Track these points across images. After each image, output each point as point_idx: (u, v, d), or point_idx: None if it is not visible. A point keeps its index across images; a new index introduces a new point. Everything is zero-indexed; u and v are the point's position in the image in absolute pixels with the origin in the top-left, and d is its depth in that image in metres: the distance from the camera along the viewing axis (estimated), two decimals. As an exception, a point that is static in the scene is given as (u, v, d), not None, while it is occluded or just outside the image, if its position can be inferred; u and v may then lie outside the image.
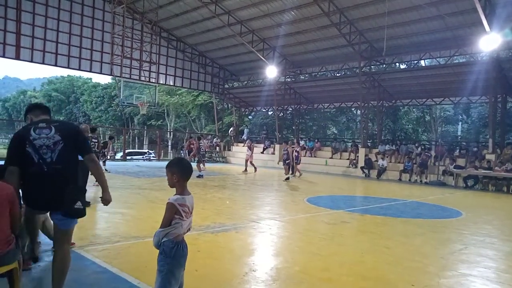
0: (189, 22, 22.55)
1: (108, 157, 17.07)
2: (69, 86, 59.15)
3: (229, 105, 30.99)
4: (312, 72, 25.64)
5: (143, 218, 6.75)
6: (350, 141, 26.19)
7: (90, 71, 22.27)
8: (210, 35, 23.35)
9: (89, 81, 58.44)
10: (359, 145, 21.14)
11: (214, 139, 28.20)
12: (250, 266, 4.28)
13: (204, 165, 15.64)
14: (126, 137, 36.22)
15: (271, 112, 32.62)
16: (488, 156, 16.07)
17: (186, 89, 33.12)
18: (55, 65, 20.80)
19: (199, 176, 13.83)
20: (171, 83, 26.46)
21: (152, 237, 2.63)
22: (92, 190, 7.62)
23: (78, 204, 2.97)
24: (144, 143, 48.63)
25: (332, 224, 6.91)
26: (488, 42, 14.52)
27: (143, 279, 3.63)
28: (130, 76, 22.76)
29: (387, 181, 17.33)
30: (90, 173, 3.36)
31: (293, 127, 30.37)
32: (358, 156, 20.11)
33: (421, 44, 18.31)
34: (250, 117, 38.94)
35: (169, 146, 44.08)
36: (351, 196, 12.07)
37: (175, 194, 2.60)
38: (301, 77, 26.11)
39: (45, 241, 4.44)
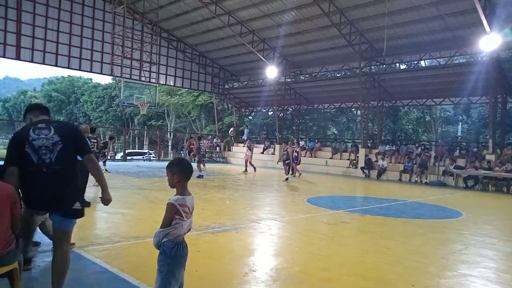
0: (189, 22, 22.56)
1: (108, 158, 17.07)
2: (69, 86, 59.18)
3: (229, 106, 31.00)
4: (312, 73, 25.65)
5: (143, 218, 6.75)
6: (350, 141, 26.19)
7: (91, 71, 22.29)
8: (210, 36, 23.36)
9: (90, 81, 58.46)
10: (359, 146, 21.14)
11: (214, 139, 28.20)
12: (250, 267, 4.28)
13: (204, 165, 15.65)
14: (126, 137, 36.23)
15: (271, 112, 32.64)
16: (488, 157, 16.07)
17: (186, 89, 33.16)
18: (56, 65, 20.81)
19: (199, 177, 13.83)
20: (172, 84, 26.47)
21: (152, 237, 2.63)
22: (92, 190, 7.63)
23: (77, 205, 2.97)
24: (144, 143, 48.66)
25: (332, 225, 6.91)
26: (488, 42, 14.52)
27: (143, 279, 3.63)
28: (131, 76, 22.77)
29: (387, 182, 17.33)
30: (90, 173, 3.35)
31: (293, 128, 30.38)
32: (358, 157, 20.12)
33: (421, 44, 18.32)
34: (250, 117, 38.95)
35: (169, 147, 44.10)
36: (351, 196, 12.07)
37: (176, 195, 2.60)
38: (301, 77, 26.12)
39: (45, 241, 4.44)
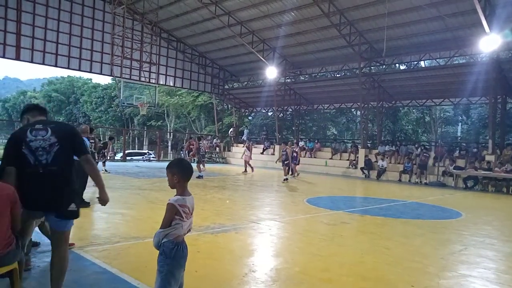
0: (189, 23, 22.57)
1: (108, 158, 17.07)
2: (69, 86, 59.14)
3: (229, 106, 31.01)
4: (312, 73, 25.66)
5: (143, 219, 6.74)
6: (350, 142, 26.19)
7: (90, 71, 22.29)
8: (210, 36, 23.37)
9: (89, 81, 58.42)
10: (359, 146, 21.14)
11: (214, 139, 28.21)
12: (250, 267, 4.28)
13: (204, 165, 15.65)
14: (126, 137, 36.23)
15: (271, 112, 32.65)
16: (488, 157, 16.07)
17: (186, 89, 33.15)
18: (55, 65, 20.82)
19: (199, 177, 13.83)
20: (171, 84, 26.47)
21: (152, 237, 2.63)
22: (91, 191, 7.61)
23: (72, 206, 2.97)
24: (144, 143, 48.62)
25: (332, 225, 6.91)
26: (488, 43, 14.52)
27: (143, 280, 3.63)
28: (130, 76, 22.77)
29: (387, 182, 17.33)
30: None
31: (293, 128, 30.38)
32: (358, 157, 20.12)
33: (421, 45, 18.33)
34: (250, 117, 38.95)
35: (169, 147, 44.06)
36: (351, 197, 12.07)
37: (176, 195, 2.60)
38: (301, 78, 26.12)
39: (44, 241, 4.44)
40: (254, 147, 24.42)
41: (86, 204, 7.11)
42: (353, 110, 33.20)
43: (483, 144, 19.50)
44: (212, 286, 3.69)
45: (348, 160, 20.85)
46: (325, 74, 25.44)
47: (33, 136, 2.90)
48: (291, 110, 28.87)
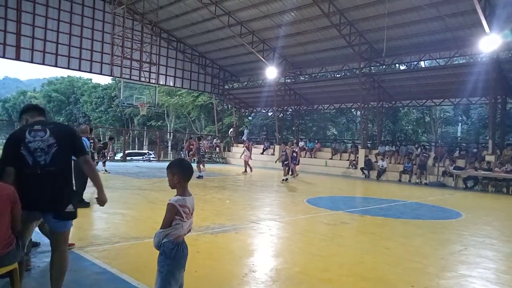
0: (189, 23, 22.57)
1: (108, 158, 17.07)
2: (69, 86, 59.14)
3: (229, 106, 31.01)
4: (312, 73, 25.66)
5: (143, 219, 6.74)
6: (350, 142, 26.21)
7: (90, 71, 22.29)
8: (210, 36, 23.37)
9: (89, 81, 58.43)
10: (359, 146, 21.14)
11: (214, 140, 28.21)
12: (250, 267, 4.28)
13: (204, 166, 15.64)
14: (126, 137, 36.23)
15: (271, 113, 32.64)
16: (488, 157, 16.07)
17: (186, 90, 33.15)
18: (55, 65, 20.82)
19: (199, 177, 13.83)
20: (171, 84, 26.47)
21: (152, 238, 2.63)
22: (91, 191, 7.61)
23: (70, 207, 2.97)
24: (144, 144, 48.62)
25: (332, 225, 6.91)
26: (488, 43, 14.52)
27: (143, 280, 3.64)
28: (130, 77, 22.76)
29: (387, 182, 17.33)
30: None
31: (293, 128, 30.39)
32: (358, 157, 20.12)
33: (421, 45, 18.33)
34: (250, 118, 38.95)
35: (169, 147, 44.07)
36: (351, 197, 12.07)
37: (176, 195, 2.60)
38: (301, 78, 26.12)
39: (44, 241, 4.44)
40: (254, 147, 24.41)
41: (86, 204, 7.11)
42: (353, 110, 33.21)
43: (483, 144, 19.50)
44: (212, 286, 3.69)
45: (348, 160, 20.85)
46: (325, 74, 25.44)
47: (32, 137, 2.90)
48: (291, 110, 28.87)
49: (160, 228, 2.56)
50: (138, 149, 43.24)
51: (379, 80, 21.14)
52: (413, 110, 32.39)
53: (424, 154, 17.74)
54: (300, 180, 15.92)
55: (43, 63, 20.35)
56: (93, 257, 4.31)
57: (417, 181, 17.20)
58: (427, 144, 25.19)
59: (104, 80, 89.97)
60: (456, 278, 4.27)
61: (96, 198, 3.22)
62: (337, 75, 24.39)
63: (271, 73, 22.23)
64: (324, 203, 9.78)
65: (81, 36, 21.39)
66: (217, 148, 27.69)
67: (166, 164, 2.73)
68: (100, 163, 15.11)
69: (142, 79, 23.34)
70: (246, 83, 28.03)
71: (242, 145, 26.22)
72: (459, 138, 33.02)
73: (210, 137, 29.55)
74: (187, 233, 2.65)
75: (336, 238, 5.96)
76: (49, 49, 20.28)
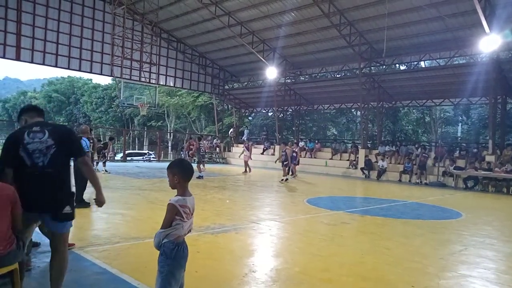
0: (189, 23, 22.58)
1: (108, 158, 17.07)
2: (69, 87, 59.15)
3: (229, 106, 31.01)
4: (312, 73, 25.66)
5: (143, 219, 6.75)
6: (350, 142, 26.20)
7: (91, 72, 22.31)
8: (210, 36, 23.38)
9: (90, 82, 58.43)
10: (359, 146, 21.14)
11: (214, 140, 28.21)
12: (250, 267, 4.28)
13: (204, 166, 15.65)
14: (126, 138, 36.22)
15: (271, 113, 32.65)
16: (488, 157, 16.07)
17: (186, 90, 33.15)
18: (56, 66, 20.84)
19: (199, 177, 13.83)
20: (171, 84, 26.48)
21: (152, 238, 2.64)
22: (91, 191, 7.59)
23: (67, 209, 2.98)
24: (144, 144, 48.62)
25: (332, 225, 6.92)
26: (488, 43, 14.52)
27: (143, 280, 3.64)
28: (130, 77, 22.76)
29: (387, 182, 17.33)
30: None
31: (293, 128, 30.40)
32: (358, 157, 20.12)
33: (421, 45, 18.33)
34: (250, 118, 38.95)
35: (169, 147, 44.08)
36: (351, 197, 12.07)
37: (176, 195, 2.60)
38: (301, 78, 26.12)
39: (44, 241, 4.44)
40: (254, 148, 24.41)
41: (86, 205, 7.12)
42: (353, 110, 33.21)
43: (483, 145, 19.49)
44: (212, 287, 3.69)
45: (348, 160, 20.85)
46: (325, 75, 25.44)
47: (31, 139, 2.91)
48: (291, 110, 28.88)
49: (161, 228, 2.57)
50: (138, 149, 43.26)
51: (379, 80, 21.14)
52: (413, 110, 32.38)
53: (423, 154, 17.75)
54: (300, 180, 15.92)
55: (43, 64, 20.36)
56: (93, 257, 4.31)
57: (417, 181, 17.20)
58: (427, 144, 25.18)
59: (104, 80, 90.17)
60: (456, 278, 4.27)
61: (94, 199, 3.23)
62: (337, 75, 24.39)
63: (271, 73, 22.24)
64: (324, 203, 9.78)
65: (81, 37, 21.40)
66: (217, 148, 27.70)
67: (166, 164, 2.73)
68: (101, 163, 15.13)
69: (142, 79, 23.35)
70: (246, 83, 28.03)
71: (242, 145, 26.28)
72: (459, 138, 33.01)
73: (210, 137, 29.54)
74: (188, 233, 2.65)
75: (336, 238, 5.96)
76: (49, 49, 20.29)
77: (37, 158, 2.88)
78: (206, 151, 22.96)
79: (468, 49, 17.32)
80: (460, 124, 34.54)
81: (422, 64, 21.85)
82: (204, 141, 21.65)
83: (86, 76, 60.63)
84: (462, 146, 20.44)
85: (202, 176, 14.12)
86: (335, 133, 39.73)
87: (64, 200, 2.98)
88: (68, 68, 21.83)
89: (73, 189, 3.19)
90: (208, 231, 5.83)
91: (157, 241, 2.57)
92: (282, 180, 14.45)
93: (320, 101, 27.32)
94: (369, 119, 22.94)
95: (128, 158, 25.86)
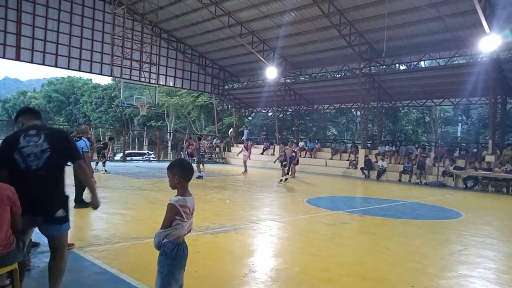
0: (189, 23, 22.58)
1: (108, 158, 17.06)
2: (69, 87, 59.18)
3: (229, 106, 31.02)
4: (312, 73, 25.67)
5: (143, 219, 6.74)
6: (350, 142, 26.20)
7: (90, 72, 22.31)
8: (210, 36, 23.38)
9: (89, 82, 58.47)
10: (359, 146, 21.14)
11: (214, 140, 28.21)
12: (250, 267, 4.28)
13: (203, 166, 15.64)
14: (126, 138, 36.22)
15: (271, 113, 32.65)
16: (487, 157, 16.08)
17: (186, 90, 33.15)
18: (55, 66, 20.84)
19: (199, 177, 13.83)
20: (171, 84, 26.48)
21: (152, 238, 2.63)
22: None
23: (60, 213, 2.97)
24: (144, 144, 48.62)
25: (332, 225, 6.91)
26: (488, 43, 14.53)
27: (143, 280, 3.64)
28: (130, 77, 22.76)
29: (387, 182, 17.33)
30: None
31: (293, 128, 30.40)
32: (358, 157, 20.12)
33: (421, 45, 18.33)
34: (250, 118, 38.96)
35: (169, 147, 44.10)
36: (351, 197, 12.07)
37: (176, 195, 2.60)
38: (301, 78, 26.13)
39: (44, 241, 4.42)
40: (254, 148, 24.41)
41: (86, 205, 7.10)
42: (353, 110, 33.23)
43: (483, 144, 19.49)
44: (212, 286, 3.69)
45: (348, 160, 20.85)
46: (325, 75, 25.44)
47: (26, 142, 2.91)
48: (291, 110, 28.88)
49: (160, 228, 2.56)
50: (138, 149, 43.24)
51: (379, 80, 21.14)
52: (413, 110, 32.40)
53: (422, 155, 17.75)
54: (300, 180, 15.93)
55: (43, 64, 20.36)
56: (93, 257, 4.31)
57: (417, 181, 17.20)
58: (427, 144, 25.19)
59: (104, 80, 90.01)
60: (456, 278, 4.27)
61: (89, 202, 3.24)
62: (337, 75, 24.39)
63: (271, 73, 22.24)
64: (324, 203, 9.78)
65: (81, 37, 21.40)
66: (217, 148, 27.69)
67: (166, 164, 2.73)
68: (100, 163, 15.13)
69: (142, 79, 23.35)
70: (246, 83, 28.03)
71: (242, 145, 26.29)
72: (459, 138, 33.03)
73: (210, 137, 29.54)
74: (187, 233, 2.65)
75: (336, 238, 5.96)
76: (49, 49, 20.29)
77: (31, 161, 2.88)
78: (206, 151, 22.96)
79: (468, 49, 17.32)
80: (460, 124, 34.56)
81: (422, 64, 21.86)
82: (204, 141, 21.63)
83: (86, 76, 60.71)
84: (462, 146, 20.45)
85: (202, 176, 14.12)
86: (335, 133, 39.75)
87: (57, 204, 2.97)
88: (68, 68, 21.83)
89: (68, 192, 3.18)
90: (208, 231, 5.82)
91: (157, 241, 2.56)
92: (281, 180, 14.43)
93: (320, 101, 27.32)
94: (369, 119, 22.94)
95: (128, 158, 25.86)
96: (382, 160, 18.74)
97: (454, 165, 16.70)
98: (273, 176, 17.22)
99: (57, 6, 20.30)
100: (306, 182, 15.39)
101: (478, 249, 5.66)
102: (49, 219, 2.94)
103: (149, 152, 35.05)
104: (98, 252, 4.55)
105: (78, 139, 7.29)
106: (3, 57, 18.95)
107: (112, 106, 48.26)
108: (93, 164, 12.15)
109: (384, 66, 21.41)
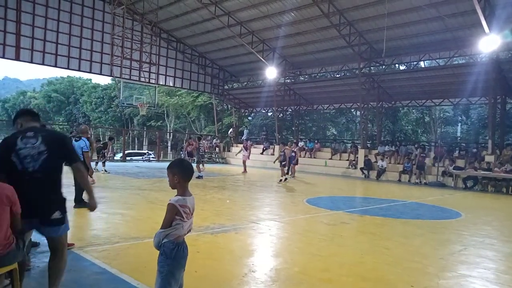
0: (189, 23, 22.57)
1: (108, 158, 17.06)
2: (69, 87, 59.15)
3: (229, 106, 31.02)
4: (312, 73, 25.67)
5: (143, 219, 6.74)
6: (350, 142, 26.20)
7: (90, 72, 22.30)
8: (210, 36, 23.38)
9: (89, 82, 58.45)
10: (358, 146, 21.15)
11: (214, 140, 28.21)
12: (250, 267, 4.28)
13: (203, 166, 15.64)
14: (126, 138, 36.22)
15: (271, 113, 32.65)
16: (487, 157, 16.08)
17: (185, 90, 33.14)
18: (55, 66, 20.83)
19: (199, 177, 13.82)
20: (171, 84, 26.48)
21: (151, 238, 2.63)
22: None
23: (56, 215, 2.96)
24: (144, 144, 48.59)
25: (331, 225, 6.92)
26: (488, 43, 14.54)
27: (143, 280, 3.64)
28: (130, 77, 22.77)
29: (387, 182, 17.33)
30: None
31: (293, 128, 30.40)
32: (357, 157, 20.12)
33: (420, 45, 18.34)
34: (249, 118, 38.97)
35: (169, 147, 44.08)
36: (350, 197, 12.07)
37: (176, 195, 2.60)
38: (301, 78, 26.13)
39: (44, 241, 4.42)
40: (254, 148, 24.41)
41: (86, 205, 7.09)
42: (352, 110, 33.24)
43: (483, 144, 19.50)
44: (211, 286, 3.69)
45: (347, 160, 20.86)
46: (324, 75, 25.44)
47: (23, 144, 2.91)
48: (290, 110, 28.87)
49: (160, 228, 2.56)
50: (137, 149, 43.20)
51: (379, 80, 21.14)
52: (413, 110, 32.41)
53: (421, 155, 17.76)
54: (300, 180, 15.93)
55: (42, 63, 20.35)
56: (92, 257, 4.31)
57: (417, 181, 17.21)
58: (427, 144, 25.20)
59: (103, 80, 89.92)
60: (456, 278, 4.27)
61: (87, 203, 3.25)
62: (337, 75, 24.39)
63: (271, 73, 22.24)
64: (324, 203, 9.78)
65: (80, 36, 21.39)
66: (217, 148, 27.69)
67: (166, 164, 2.73)
68: (100, 163, 15.12)
69: (142, 79, 23.35)
70: (246, 83, 28.03)
71: (242, 145, 26.28)
72: (459, 138, 33.04)
73: (209, 137, 29.54)
74: (187, 233, 2.65)
75: (336, 238, 5.96)
76: (48, 49, 20.28)
77: (28, 163, 2.88)
78: (206, 151, 22.95)
79: (467, 49, 17.32)
80: (459, 124, 34.58)
81: (422, 64, 21.87)
82: (204, 141, 21.62)
83: (85, 76, 60.69)
84: (462, 146, 20.46)
85: (202, 176, 14.12)
86: (335, 133, 39.76)
87: (54, 206, 2.97)
88: (68, 68, 21.82)
89: (67, 192, 3.18)
90: (208, 231, 5.82)
91: (157, 241, 2.56)
92: (281, 180, 14.43)
93: (319, 101, 27.32)
94: (369, 119, 22.95)
95: (128, 158, 25.85)
96: (382, 160, 18.75)
97: (453, 165, 16.70)
98: (273, 176, 17.22)
99: (56, 6, 20.30)
100: (306, 182, 15.39)
101: (477, 249, 5.66)
102: (45, 221, 2.94)
103: (149, 152, 35.01)
104: (98, 252, 4.55)
105: (78, 139, 7.30)
106: (3, 57, 18.94)
107: (111, 106, 48.24)
108: (93, 164, 12.15)
109: (384, 66, 21.42)
